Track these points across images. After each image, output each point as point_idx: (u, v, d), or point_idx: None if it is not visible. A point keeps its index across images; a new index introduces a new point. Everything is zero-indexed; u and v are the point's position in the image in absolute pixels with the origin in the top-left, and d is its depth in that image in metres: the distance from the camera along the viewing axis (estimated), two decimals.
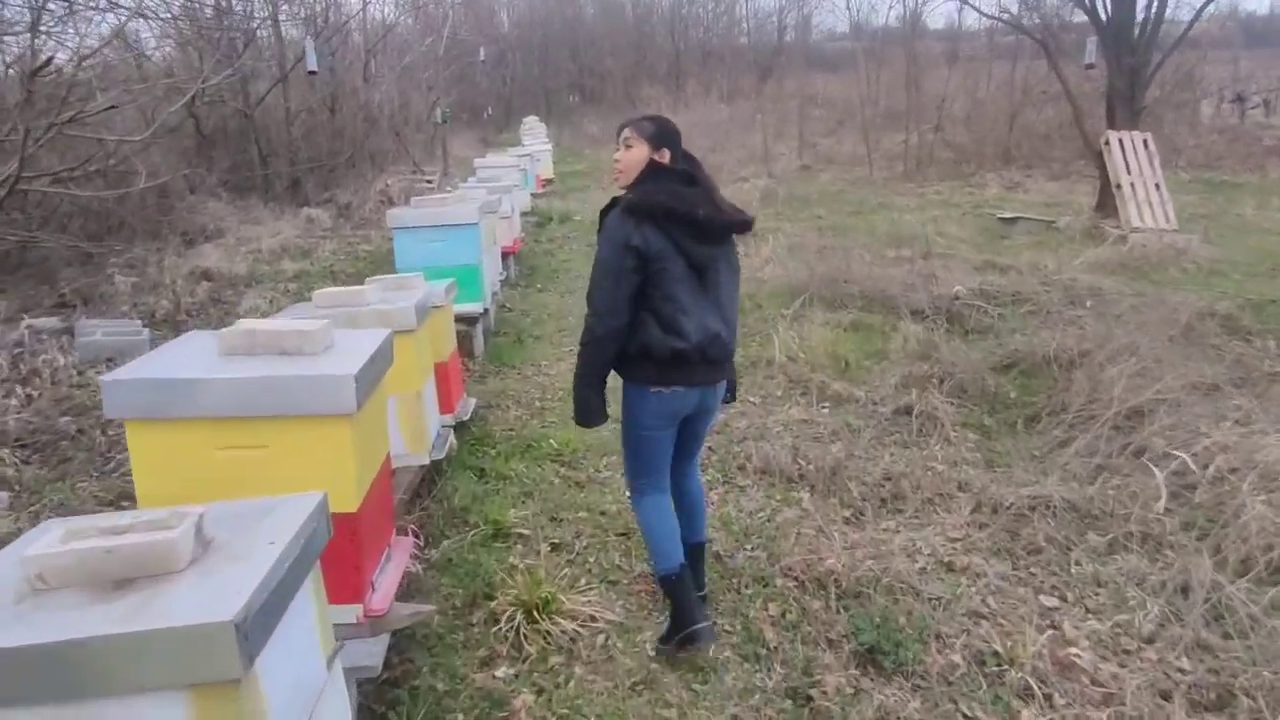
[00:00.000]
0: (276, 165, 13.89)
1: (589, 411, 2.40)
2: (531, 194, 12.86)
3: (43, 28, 7.47)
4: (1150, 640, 2.44)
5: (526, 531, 3.16)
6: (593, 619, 2.60)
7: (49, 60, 7.65)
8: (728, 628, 2.60)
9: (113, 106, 7.42)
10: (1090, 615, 2.59)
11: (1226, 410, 3.65)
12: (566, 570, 2.90)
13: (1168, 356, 4.14)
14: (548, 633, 2.51)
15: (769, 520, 3.23)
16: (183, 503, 1.51)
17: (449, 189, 9.48)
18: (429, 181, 15.23)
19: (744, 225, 2.33)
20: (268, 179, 13.68)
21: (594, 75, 36.19)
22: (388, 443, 2.54)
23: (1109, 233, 8.25)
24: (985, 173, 14.21)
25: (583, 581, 2.85)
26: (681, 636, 2.40)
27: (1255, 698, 2.18)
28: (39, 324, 6.08)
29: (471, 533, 3.15)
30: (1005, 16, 11.97)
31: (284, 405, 2.00)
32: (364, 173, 15.22)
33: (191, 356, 2.18)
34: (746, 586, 2.80)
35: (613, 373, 2.42)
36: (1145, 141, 8.57)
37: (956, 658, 2.38)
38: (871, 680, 2.33)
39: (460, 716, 2.24)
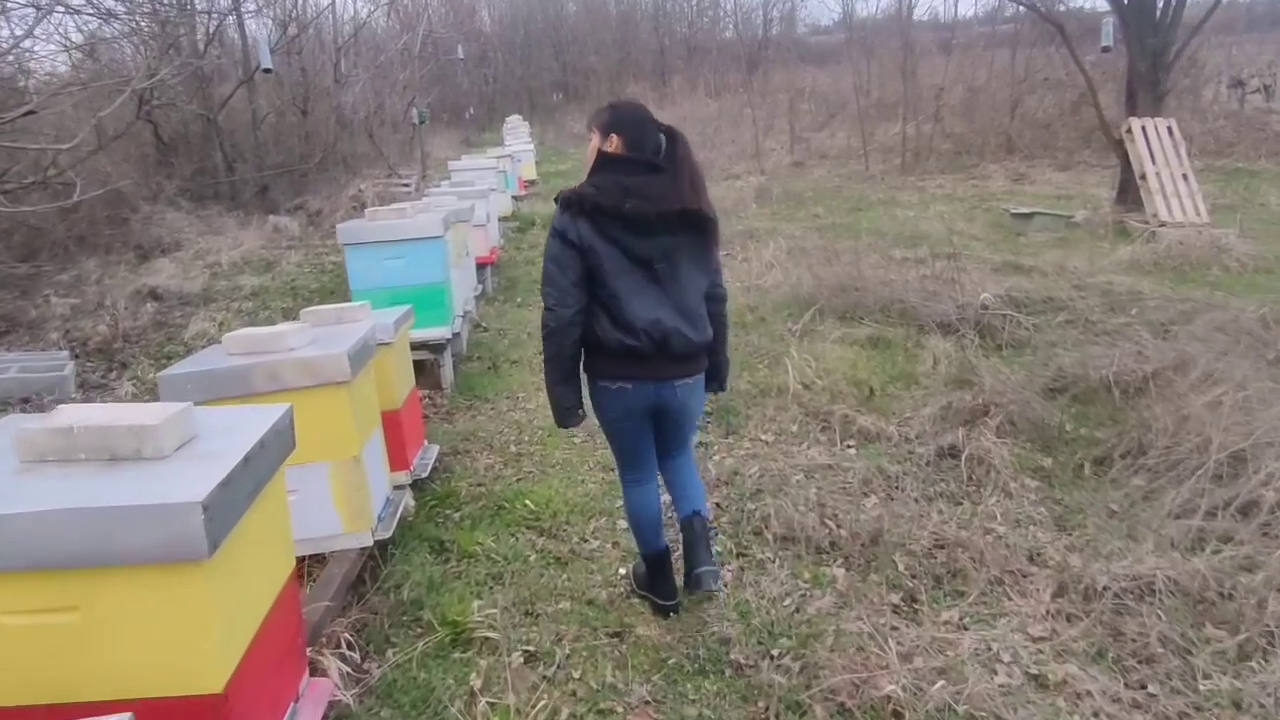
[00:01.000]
0: (243, 171, 13.13)
1: (563, 410, 2.39)
2: (513, 196, 12.17)
3: None
4: None
5: (494, 635, 2.49)
6: None
7: None
8: None
9: (31, 111, 6.67)
10: None
11: None
12: (544, 697, 2.24)
13: (1255, 380, 3.50)
14: None
15: (798, 611, 2.57)
16: None
17: (427, 193, 8.79)
18: (405, 185, 14.51)
19: (689, 216, 2.23)
20: (234, 186, 12.93)
21: (578, 73, 35.50)
22: (289, 558, 1.87)
23: (1134, 227, 7.63)
24: (988, 164, 13.59)
25: (565, 715, 2.19)
26: (646, 594, 2.63)
27: None
28: None
29: (423, 640, 2.47)
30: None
31: (100, 550, 1.33)
32: (336, 177, 14.48)
33: None
34: (778, 717, 2.15)
35: None
36: (1170, 129, 7.96)
37: None
38: None
39: None
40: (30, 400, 4.92)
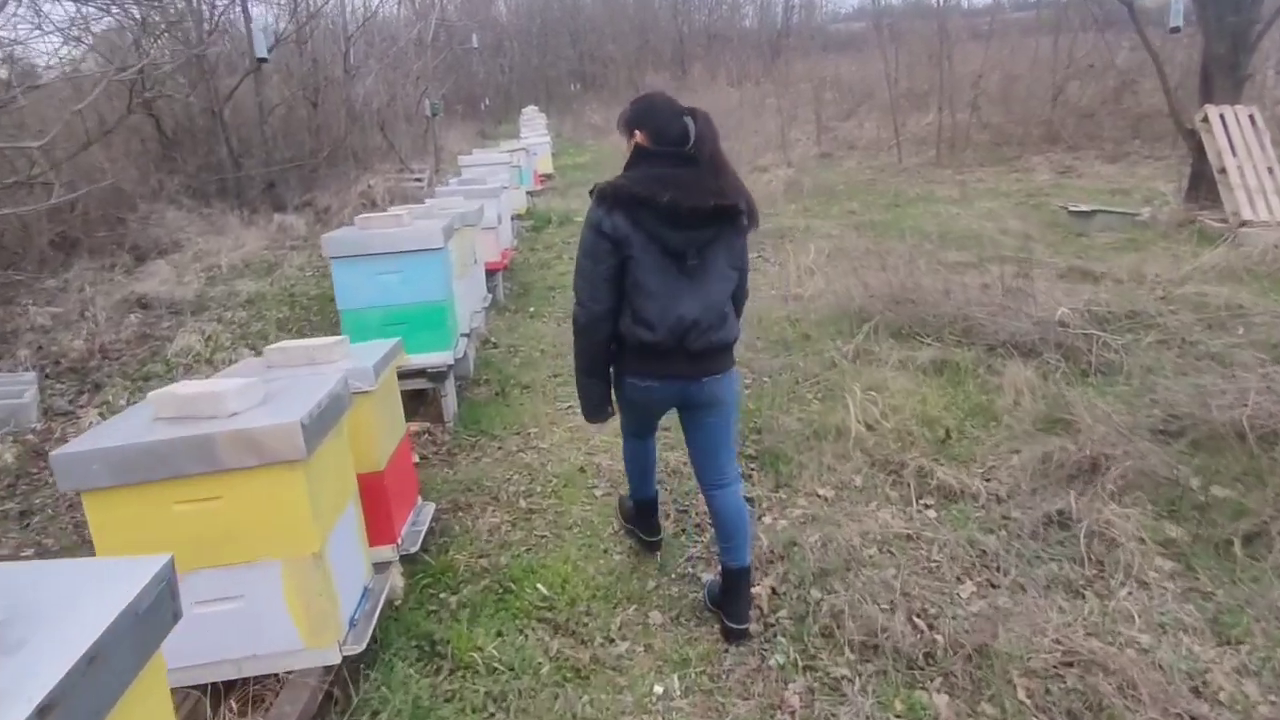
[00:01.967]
0: (249, 166, 12.60)
1: (591, 405, 2.39)
2: (528, 192, 11.55)
3: None
4: None
5: None
6: None
7: None
8: None
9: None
10: None
11: None
12: None
13: None
14: None
15: None
16: None
17: (435, 191, 8.20)
18: (418, 180, 13.97)
19: (724, 211, 2.17)
20: (240, 182, 12.40)
21: (595, 62, 34.84)
22: None
23: (1211, 227, 6.90)
24: (1029, 155, 12.81)
25: None
26: (633, 529, 2.86)
27: None
28: None
29: None
30: None
31: None
32: (346, 172, 13.94)
33: None
34: None
35: None
36: (1251, 117, 7.20)
37: None
38: None
39: None
40: None
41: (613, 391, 2.42)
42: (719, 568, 2.52)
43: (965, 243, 7.39)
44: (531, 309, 6.47)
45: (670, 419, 2.64)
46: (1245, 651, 2.23)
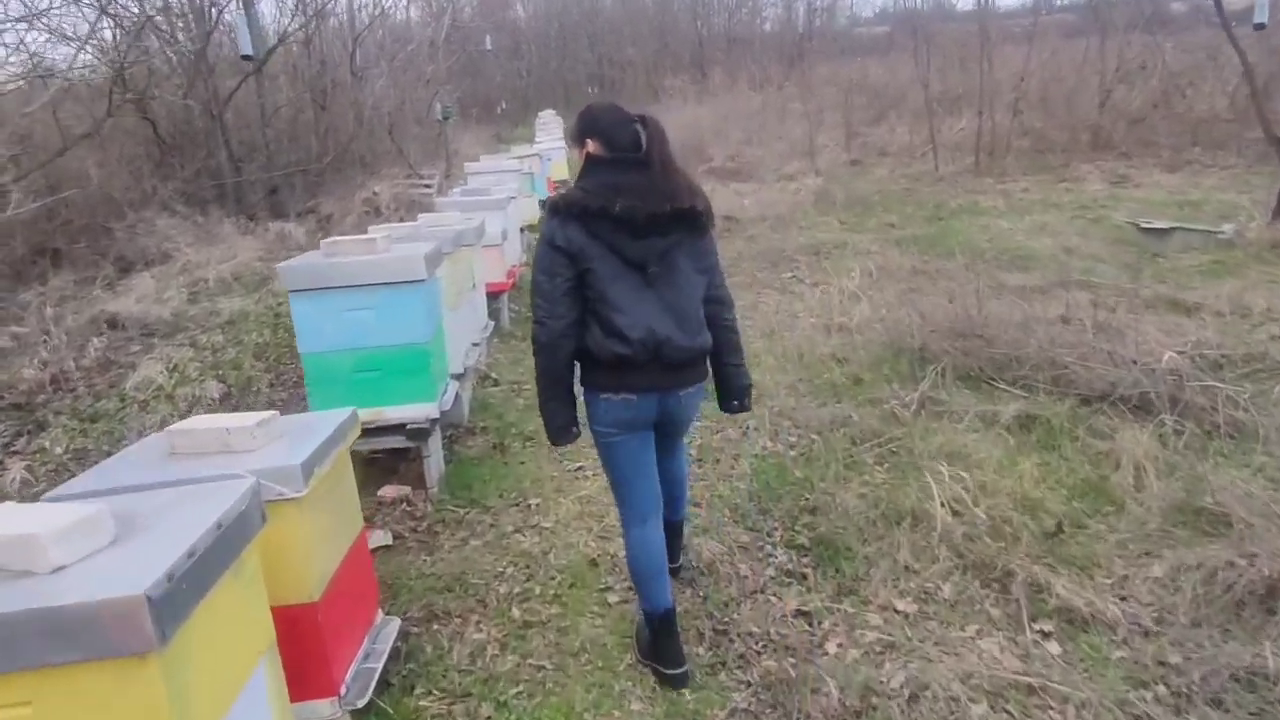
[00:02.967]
0: (249, 172, 12.00)
1: (555, 428, 2.24)
2: (540, 201, 10.85)
3: None
4: None
5: None
6: None
7: None
8: None
9: None
10: None
11: None
12: None
13: None
14: None
15: None
16: None
17: (436, 204, 7.52)
18: (427, 186, 13.31)
19: (682, 215, 2.09)
20: (239, 188, 11.80)
21: (614, 65, 34.27)
22: None
23: None
24: (1078, 163, 11.96)
25: None
26: (650, 663, 2.33)
27: None
28: None
29: None
30: None
31: None
32: (353, 178, 13.32)
33: None
34: None
35: None
36: None
37: None
38: None
39: None
40: None
41: (589, 429, 2.27)
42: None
43: (1024, 263, 6.61)
44: None
45: None
46: None
